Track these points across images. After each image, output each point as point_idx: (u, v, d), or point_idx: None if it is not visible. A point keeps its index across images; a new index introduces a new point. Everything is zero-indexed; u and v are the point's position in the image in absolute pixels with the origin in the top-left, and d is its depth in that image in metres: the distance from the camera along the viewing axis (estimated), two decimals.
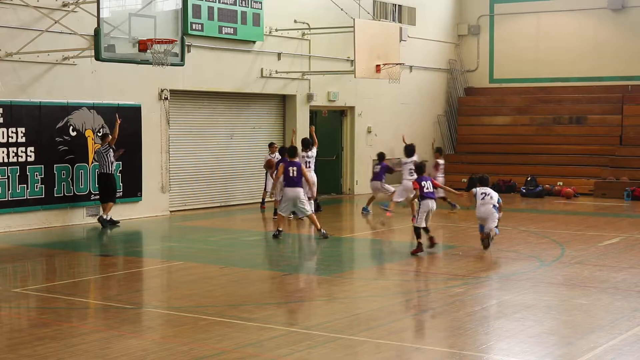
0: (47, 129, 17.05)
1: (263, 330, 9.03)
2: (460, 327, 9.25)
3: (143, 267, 13.56)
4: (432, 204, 14.28)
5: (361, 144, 25.53)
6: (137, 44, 15.61)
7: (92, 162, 17.75)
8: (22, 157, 16.62)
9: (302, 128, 22.67)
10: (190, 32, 19.38)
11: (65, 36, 16.82)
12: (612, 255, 14.16)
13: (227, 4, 20.44)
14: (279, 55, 22.46)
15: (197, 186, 20.93)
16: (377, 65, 21.46)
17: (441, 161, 20.88)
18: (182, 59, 16.59)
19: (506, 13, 29.65)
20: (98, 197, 17.61)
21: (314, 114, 23.72)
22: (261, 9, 21.40)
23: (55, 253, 14.56)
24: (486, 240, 14.16)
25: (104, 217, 17.29)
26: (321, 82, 23.75)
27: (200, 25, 19.81)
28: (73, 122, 17.53)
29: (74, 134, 17.56)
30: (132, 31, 15.64)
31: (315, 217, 16.15)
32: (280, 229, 15.91)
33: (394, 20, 26.39)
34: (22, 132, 16.60)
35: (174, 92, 19.88)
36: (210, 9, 20.04)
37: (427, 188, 14.23)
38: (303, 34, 23.22)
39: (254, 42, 21.60)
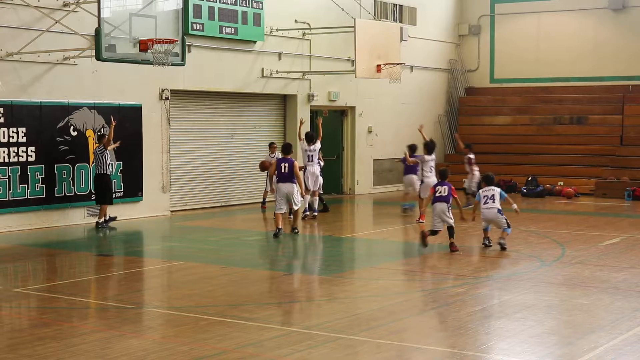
0: (48, 129, 17.05)
1: (263, 330, 9.04)
2: (460, 327, 9.25)
3: (144, 267, 13.55)
4: (440, 206, 14.39)
5: (362, 144, 25.53)
6: (138, 44, 15.62)
7: (92, 163, 17.75)
8: (22, 157, 16.62)
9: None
10: (191, 32, 19.39)
11: (66, 36, 16.82)
12: (613, 255, 14.16)
13: (227, 4, 20.44)
14: (279, 55, 22.46)
15: (198, 186, 20.93)
16: (378, 65, 21.46)
17: (472, 155, 20.91)
18: (183, 59, 16.61)
19: (507, 13, 29.64)
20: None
21: (315, 114, 23.71)
22: (262, 9, 21.40)
23: (55, 253, 14.56)
24: (503, 243, 14.39)
25: (99, 221, 17.20)
26: (322, 82, 23.75)
27: (201, 25, 19.81)
28: (74, 122, 17.53)
29: (74, 133, 17.56)
30: (132, 31, 15.65)
31: (300, 214, 16.69)
32: (280, 227, 15.93)
33: (394, 20, 26.38)
34: (22, 132, 16.60)
35: (174, 92, 19.88)
36: (211, 8, 20.04)
37: (440, 193, 14.44)
38: (304, 34, 23.22)
39: (254, 42, 21.60)
